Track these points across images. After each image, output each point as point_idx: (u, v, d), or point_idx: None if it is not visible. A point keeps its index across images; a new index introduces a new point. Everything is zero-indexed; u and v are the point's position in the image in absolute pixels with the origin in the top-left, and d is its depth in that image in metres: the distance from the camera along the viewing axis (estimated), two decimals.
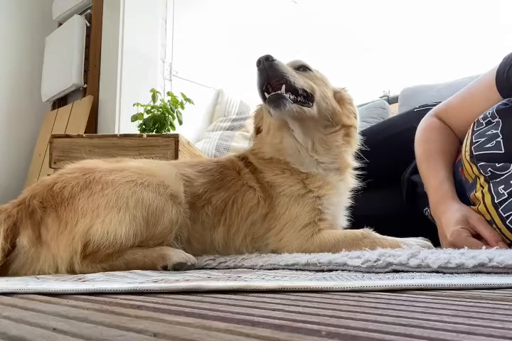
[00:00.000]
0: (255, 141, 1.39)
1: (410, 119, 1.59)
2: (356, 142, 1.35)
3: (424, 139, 1.38)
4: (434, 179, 1.28)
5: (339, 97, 1.35)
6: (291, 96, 1.20)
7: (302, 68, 1.30)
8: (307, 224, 1.17)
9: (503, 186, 1.08)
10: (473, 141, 1.20)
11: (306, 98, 1.24)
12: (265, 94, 1.21)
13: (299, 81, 1.23)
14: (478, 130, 1.21)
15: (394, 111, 3.22)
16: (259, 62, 1.20)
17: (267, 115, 1.30)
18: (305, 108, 1.22)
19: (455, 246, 1.06)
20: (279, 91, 1.18)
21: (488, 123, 1.20)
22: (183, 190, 1.15)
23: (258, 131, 1.41)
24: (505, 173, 1.09)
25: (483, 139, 1.17)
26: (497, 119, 1.17)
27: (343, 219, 1.29)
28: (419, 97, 2.74)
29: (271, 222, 1.20)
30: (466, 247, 0.95)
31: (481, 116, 1.23)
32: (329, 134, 1.29)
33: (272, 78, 1.20)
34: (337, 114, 1.30)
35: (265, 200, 1.22)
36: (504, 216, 1.06)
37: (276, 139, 1.29)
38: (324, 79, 1.34)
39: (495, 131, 1.16)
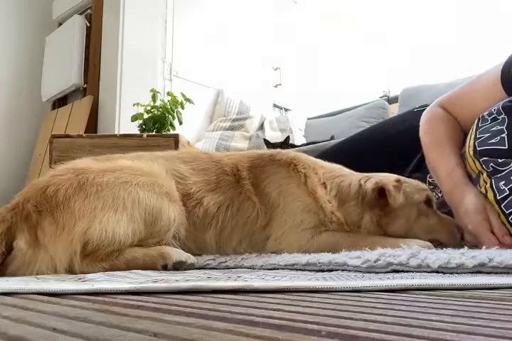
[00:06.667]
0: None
1: (410, 119, 1.58)
2: None
3: (430, 129, 1.36)
4: (444, 166, 1.25)
5: None
6: None
7: None
8: (309, 228, 1.17)
9: (503, 182, 1.08)
10: (478, 136, 1.19)
11: None
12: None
13: None
14: (482, 126, 1.21)
15: (394, 111, 3.22)
16: None
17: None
18: None
19: (474, 235, 1.09)
20: None
21: (494, 119, 1.19)
22: (175, 187, 1.14)
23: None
24: (506, 169, 1.09)
25: (487, 135, 1.17)
26: (503, 116, 1.17)
27: None
28: (419, 97, 2.74)
29: (271, 229, 1.20)
30: (466, 247, 0.96)
31: (486, 112, 1.22)
32: None
33: None
34: None
35: (266, 213, 1.20)
36: (507, 212, 1.06)
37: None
38: None
39: (500, 127, 1.16)
